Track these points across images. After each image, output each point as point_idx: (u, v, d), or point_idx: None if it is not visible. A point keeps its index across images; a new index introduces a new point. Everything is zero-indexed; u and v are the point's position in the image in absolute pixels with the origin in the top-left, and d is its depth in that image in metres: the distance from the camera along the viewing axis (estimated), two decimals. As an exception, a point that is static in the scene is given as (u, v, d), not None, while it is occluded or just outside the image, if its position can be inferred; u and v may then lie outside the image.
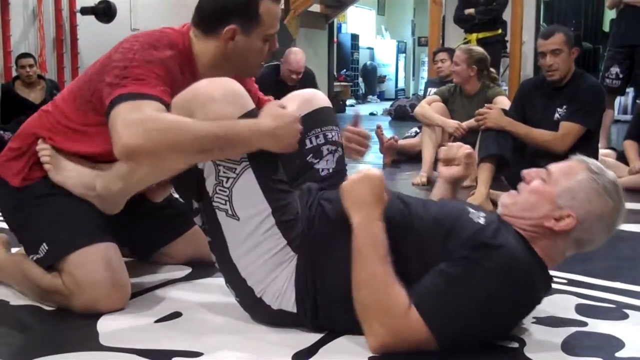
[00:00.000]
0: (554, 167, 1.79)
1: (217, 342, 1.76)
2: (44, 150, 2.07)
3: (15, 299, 2.09)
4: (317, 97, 2.16)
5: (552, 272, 2.25)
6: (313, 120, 2.08)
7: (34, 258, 2.04)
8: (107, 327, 1.87)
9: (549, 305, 1.99)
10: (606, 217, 1.73)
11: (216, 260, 1.87)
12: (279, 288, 1.78)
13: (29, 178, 2.09)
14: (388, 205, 1.76)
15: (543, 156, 3.44)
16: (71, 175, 2.05)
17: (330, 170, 2.08)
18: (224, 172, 1.77)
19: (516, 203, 1.80)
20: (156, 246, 2.45)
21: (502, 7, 7.44)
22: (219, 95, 1.76)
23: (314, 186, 1.97)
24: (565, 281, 2.32)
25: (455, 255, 1.67)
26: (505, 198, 1.85)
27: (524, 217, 1.77)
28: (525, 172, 1.83)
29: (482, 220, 1.76)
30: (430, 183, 4.50)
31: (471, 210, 1.81)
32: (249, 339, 1.78)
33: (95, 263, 1.95)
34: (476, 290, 1.63)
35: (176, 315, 1.97)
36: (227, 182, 1.76)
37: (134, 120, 1.72)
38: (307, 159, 2.06)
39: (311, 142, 2.07)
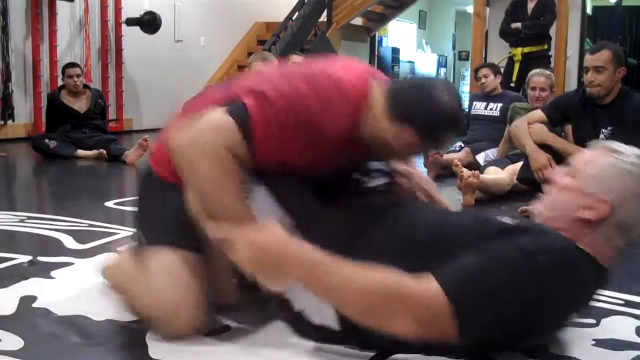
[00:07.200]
0: (575, 159, 1.75)
1: (259, 358, 1.73)
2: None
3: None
4: None
5: (608, 293, 2.17)
6: None
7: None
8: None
9: (608, 327, 1.93)
10: None
11: None
12: (319, 301, 1.70)
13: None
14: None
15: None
16: None
17: (382, 183, 2.07)
18: None
19: (547, 205, 1.76)
20: None
21: (549, 22, 7.36)
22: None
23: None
24: (622, 302, 2.24)
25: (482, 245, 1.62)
26: (537, 206, 1.81)
27: (557, 215, 1.71)
28: (549, 175, 1.82)
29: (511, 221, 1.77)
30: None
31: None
32: (291, 355, 1.74)
33: (164, 276, 1.82)
34: (503, 264, 1.55)
35: (225, 329, 1.92)
36: None
37: (201, 141, 1.75)
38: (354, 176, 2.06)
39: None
